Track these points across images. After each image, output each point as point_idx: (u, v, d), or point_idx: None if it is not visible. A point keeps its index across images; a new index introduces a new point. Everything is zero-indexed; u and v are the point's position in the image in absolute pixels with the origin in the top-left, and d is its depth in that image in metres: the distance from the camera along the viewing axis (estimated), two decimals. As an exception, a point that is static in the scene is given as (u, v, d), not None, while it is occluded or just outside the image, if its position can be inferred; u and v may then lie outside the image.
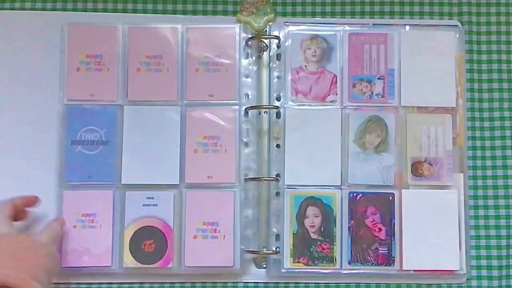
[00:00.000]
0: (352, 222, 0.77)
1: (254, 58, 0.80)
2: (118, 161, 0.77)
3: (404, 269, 0.76)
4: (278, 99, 0.79)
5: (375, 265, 0.77)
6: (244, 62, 0.79)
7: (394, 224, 0.77)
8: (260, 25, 0.79)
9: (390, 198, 0.77)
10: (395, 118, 0.78)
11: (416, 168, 0.78)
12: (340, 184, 0.78)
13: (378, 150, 0.78)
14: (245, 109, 0.78)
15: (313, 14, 0.82)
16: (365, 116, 0.78)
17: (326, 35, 0.79)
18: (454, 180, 0.78)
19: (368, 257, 0.77)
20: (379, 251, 0.77)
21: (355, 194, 0.77)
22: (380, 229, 0.77)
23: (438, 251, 0.76)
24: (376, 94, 0.79)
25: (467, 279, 0.78)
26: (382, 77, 0.79)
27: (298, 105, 0.79)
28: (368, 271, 0.77)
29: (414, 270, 0.77)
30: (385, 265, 0.77)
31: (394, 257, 0.76)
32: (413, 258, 0.76)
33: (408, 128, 0.78)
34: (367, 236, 0.77)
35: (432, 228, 0.77)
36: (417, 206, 0.77)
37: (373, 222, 0.77)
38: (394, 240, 0.77)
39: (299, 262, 0.76)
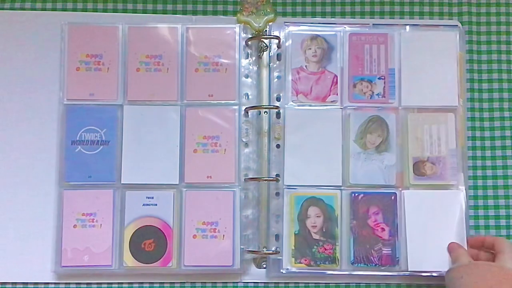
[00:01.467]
0: (354, 222, 0.77)
1: (254, 58, 0.80)
2: (118, 161, 0.77)
3: (410, 270, 0.76)
4: (278, 99, 0.79)
5: (379, 265, 0.76)
6: (244, 62, 0.79)
7: (397, 224, 0.77)
8: (260, 25, 0.79)
9: (392, 197, 0.77)
10: (396, 118, 0.78)
11: (419, 168, 0.78)
12: (341, 184, 0.77)
13: (380, 150, 0.78)
14: (245, 109, 0.78)
15: (313, 14, 0.82)
16: (366, 116, 0.78)
17: (326, 35, 0.79)
18: (459, 179, 0.77)
19: (372, 258, 0.76)
20: (383, 251, 0.76)
21: (356, 194, 0.77)
22: (383, 229, 0.77)
23: (438, 251, 0.76)
24: (376, 94, 0.79)
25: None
26: (383, 77, 0.79)
27: (299, 105, 0.79)
28: (372, 272, 0.76)
29: (418, 271, 0.76)
30: (390, 266, 0.76)
31: (398, 257, 0.76)
32: (418, 259, 0.75)
33: (409, 128, 0.78)
34: (369, 236, 0.77)
35: (436, 228, 0.76)
36: (420, 206, 0.77)
37: (376, 222, 0.77)
38: (397, 240, 0.76)
39: (301, 263, 0.76)
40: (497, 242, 0.72)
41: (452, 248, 0.75)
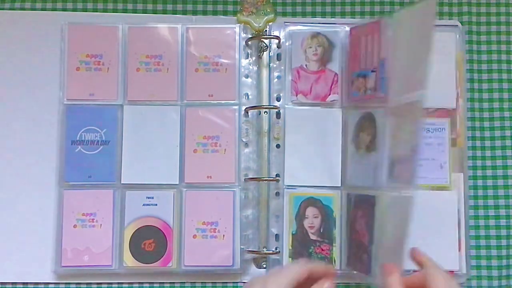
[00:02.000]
0: (349, 224, 0.76)
1: (254, 58, 0.80)
2: (118, 161, 0.77)
3: (372, 285, 0.71)
4: (278, 99, 0.79)
5: (358, 272, 0.72)
6: (244, 62, 0.79)
7: (374, 230, 0.69)
8: (260, 25, 0.79)
9: (372, 201, 0.70)
10: (385, 113, 0.71)
11: (392, 167, 0.68)
12: (340, 185, 0.77)
13: (369, 149, 0.74)
14: (245, 109, 0.78)
15: (313, 14, 0.82)
16: (360, 114, 0.76)
17: (327, 32, 0.79)
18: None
19: (355, 263, 0.73)
20: (363, 258, 0.71)
21: (350, 196, 0.76)
22: (364, 235, 0.72)
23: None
24: (369, 89, 0.74)
25: (467, 279, 0.78)
26: (375, 69, 0.73)
27: (298, 105, 0.78)
28: (355, 276, 0.75)
29: None
30: (364, 275, 0.71)
31: (371, 267, 0.69)
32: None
33: (390, 123, 0.69)
34: (356, 241, 0.74)
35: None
36: (389, 211, 0.68)
37: (360, 226, 0.73)
38: (372, 248, 0.69)
39: (298, 263, 0.76)
40: (427, 278, 0.57)
41: (385, 271, 0.59)
